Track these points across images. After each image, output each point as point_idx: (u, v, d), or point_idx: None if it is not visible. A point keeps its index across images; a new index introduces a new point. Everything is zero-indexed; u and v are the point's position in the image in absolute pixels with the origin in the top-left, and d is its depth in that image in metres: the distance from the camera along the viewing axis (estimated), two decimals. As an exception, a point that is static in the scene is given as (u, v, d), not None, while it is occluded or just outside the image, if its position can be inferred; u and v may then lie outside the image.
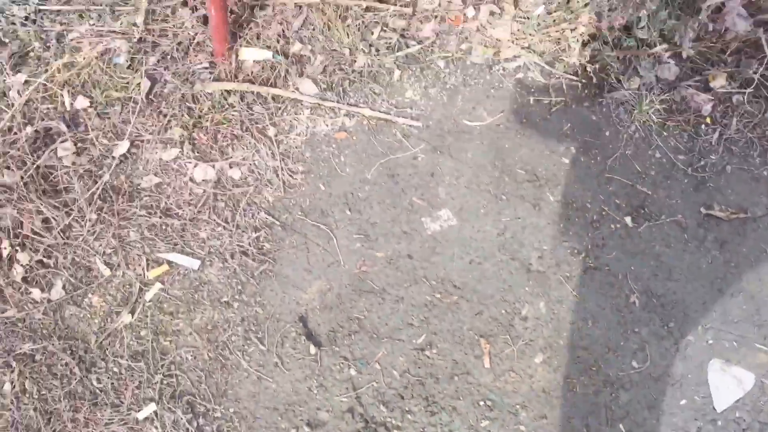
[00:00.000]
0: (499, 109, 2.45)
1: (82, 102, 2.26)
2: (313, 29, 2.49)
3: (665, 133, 2.44)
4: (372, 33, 2.51)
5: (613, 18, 2.28)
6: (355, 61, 2.46)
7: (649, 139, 2.42)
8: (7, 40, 2.32)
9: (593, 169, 2.37)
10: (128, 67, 2.34)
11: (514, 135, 2.41)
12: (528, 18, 2.56)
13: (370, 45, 2.48)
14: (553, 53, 2.51)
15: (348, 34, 2.48)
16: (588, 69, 2.45)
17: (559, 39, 2.51)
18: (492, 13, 2.59)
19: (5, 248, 1.94)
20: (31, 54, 2.31)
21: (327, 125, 2.36)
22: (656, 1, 2.16)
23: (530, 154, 2.38)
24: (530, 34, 2.53)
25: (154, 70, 2.35)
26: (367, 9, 2.54)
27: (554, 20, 2.54)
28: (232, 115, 2.29)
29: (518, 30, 2.55)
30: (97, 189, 2.09)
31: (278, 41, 2.46)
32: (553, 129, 2.43)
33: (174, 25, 2.44)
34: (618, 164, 2.38)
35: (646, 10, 2.16)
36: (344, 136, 2.36)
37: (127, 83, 2.31)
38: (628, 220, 2.29)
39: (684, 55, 2.37)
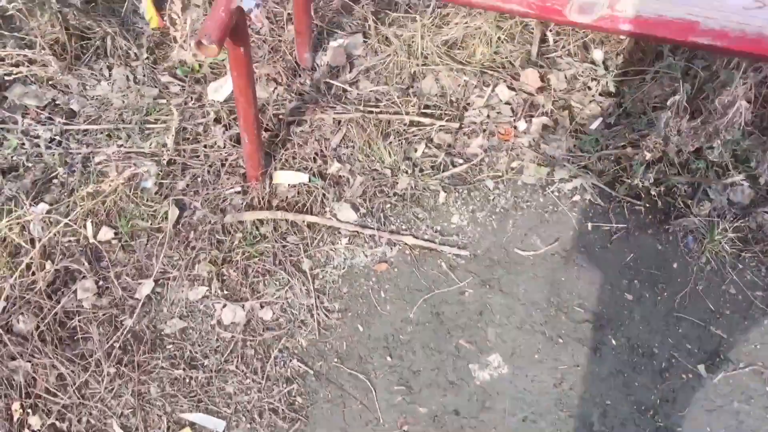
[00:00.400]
0: (553, 236, 2.24)
1: (106, 233, 2.12)
2: (353, 147, 2.32)
3: (740, 266, 2.19)
4: (416, 150, 2.33)
5: (681, 142, 2.07)
6: (398, 183, 2.28)
7: (722, 273, 2.18)
8: (30, 164, 2.20)
9: (660, 307, 2.13)
10: (156, 192, 2.20)
11: (570, 266, 2.19)
12: (585, 133, 2.36)
13: (414, 164, 2.31)
14: (613, 174, 2.30)
15: (390, 153, 2.30)
16: (652, 192, 2.23)
17: (619, 158, 2.30)
18: (545, 127, 2.40)
19: (16, 411, 1.78)
20: (55, 181, 2.18)
21: (366, 256, 2.18)
22: (734, 132, 1.93)
23: (589, 288, 2.16)
24: (587, 152, 2.33)
25: (183, 195, 2.21)
26: (411, 124, 2.37)
27: (614, 136, 2.33)
28: (265, 247, 2.12)
29: (574, 146, 2.35)
30: (119, 338, 1.92)
31: (315, 160, 2.30)
32: (614, 260, 2.21)
33: (205, 145, 2.30)
34: (688, 302, 2.14)
35: (720, 139, 1.94)
36: (385, 267, 2.17)
37: (155, 211, 2.16)
38: (701, 368, 2.05)
39: (762, 181, 2.14)
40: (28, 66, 2.29)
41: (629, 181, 2.27)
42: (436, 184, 2.29)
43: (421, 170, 2.30)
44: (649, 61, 2.40)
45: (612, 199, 2.29)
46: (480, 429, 1.94)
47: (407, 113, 2.37)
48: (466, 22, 2.50)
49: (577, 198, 2.30)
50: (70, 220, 2.07)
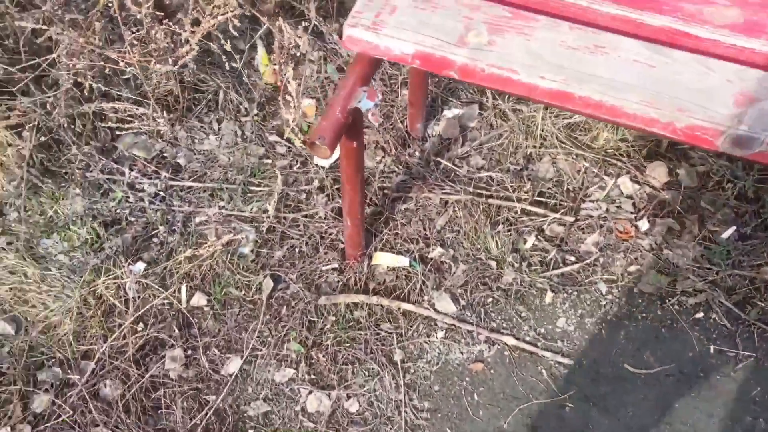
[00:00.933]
0: (669, 355, 2.03)
1: (199, 299, 2.07)
2: (458, 232, 2.19)
3: None
4: (525, 242, 2.18)
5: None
6: (502, 276, 2.13)
7: None
8: (133, 219, 2.19)
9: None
10: (252, 261, 2.14)
11: (686, 393, 1.98)
12: (715, 242, 2.14)
13: (522, 258, 2.15)
14: (744, 293, 2.07)
15: (497, 243, 2.16)
16: (788, 321, 1.99)
17: (754, 277, 2.07)
18: (670, 230, 2.20)
19: (94, 484, 1.74)
20: (155, 239, 2.16)
21: (462, 353, 2.04)
22: None
23: (706, 421, 1.95)
24: (716, 265, 2.11)
25: (279, 267, 2.14)
26: (522, 212, 2.22)
27: (750, 251, 2.10)
28: (357, 333, 2.02)
29: (702, 256, 2.13)
30: (202, 418, 1.86)
31: (417, 242, 2.18)
32: (738, 392, 1.98)
33: (306, 215, 2.23)
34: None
35: None
36: (481, 368, 2.03)
37: (249, 282, 2.10)
38: None
39: None
40: (140, 119, 2.29)
41: (762, 304, 2.04)
42: (543, 282, 2.13)
43: (529, 265, 2.15)
44: (796, 168, 2.15)
45: (741, 321, 2.06)
46: None
47: (519, 200, 2.22)
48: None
49: (700, 315, 2.08)
50: (165, 284, 2.03)
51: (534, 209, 2.23)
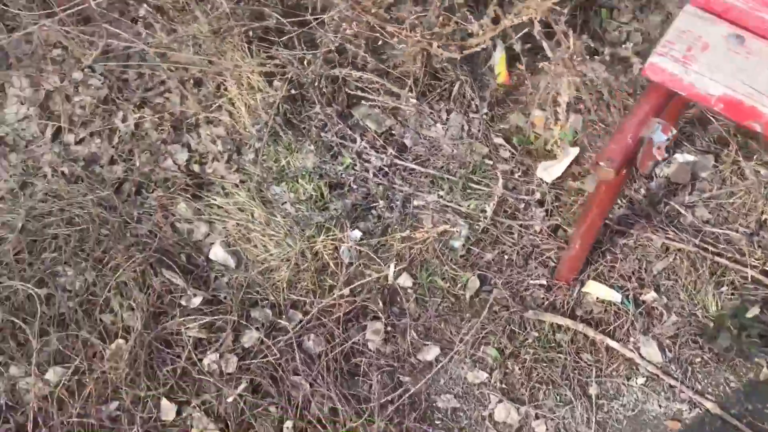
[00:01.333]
0: None
1: (405, 280, 2.08)
2: (676, 281, 2.10)
3: None
4: (747, 310, 2.05)
5: None
6: (716, 339, 2.02)
7: None
8: (355, 187, 2.23)
9: None
10: (462, 256, 2.13)
11: None
12: None
13: (741, 326, 2.03)
14: None
15: (717, 304, 2.05)
16: None
17: None
18: None
19: (287, 429, 1.78)
20: (373, 211, 2.19)
21: (660, 406, 1.95)
22: None
23: None
24: None
25: (487, 269, 2.12)
26: (753, 280, 2.09)
27: None
28: (557, 356, 1.97)
29: None
30: (396, 398, 1.87)
31: (631, 280, 2.11)
32: None
33: (522, 225, 2.20)
34: None
35: None
36: (677, 427, 1.93)
37: (456, 275, 2.09)
38: None
39: None
40: (377, 92, 2.33)
41: None
42: (761, 357, 2.00)
43: (749, 336, 2.02)
44: None
45: None
46: None
47: (751, 266, 2.10)
48: None
49: None
50: (378, 257, 2.06)
51: (765, 279, 2.10)
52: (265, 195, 2.18)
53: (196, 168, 2.22)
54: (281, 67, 2.27)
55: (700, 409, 1.96)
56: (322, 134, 2.30)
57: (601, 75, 2.11)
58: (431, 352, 1.98)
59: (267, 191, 2.18)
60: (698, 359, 2.02)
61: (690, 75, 1.46)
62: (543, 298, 2.09)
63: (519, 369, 1.98)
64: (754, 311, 2.07)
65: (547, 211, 2.24)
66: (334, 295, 1.98)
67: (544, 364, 1.98)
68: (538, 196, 2.27)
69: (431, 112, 2.45)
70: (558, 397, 1.95)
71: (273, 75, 2.30)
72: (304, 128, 2.30)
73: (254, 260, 2.06)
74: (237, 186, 2.18)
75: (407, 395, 1.90)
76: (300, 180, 2.20)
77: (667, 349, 2.02)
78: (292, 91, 2.27)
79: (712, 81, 1.44)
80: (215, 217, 2.12)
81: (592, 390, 1.97)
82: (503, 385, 1.96)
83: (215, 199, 2.13)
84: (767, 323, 2.06)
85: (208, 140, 2.24)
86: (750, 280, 2.11)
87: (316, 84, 2.29)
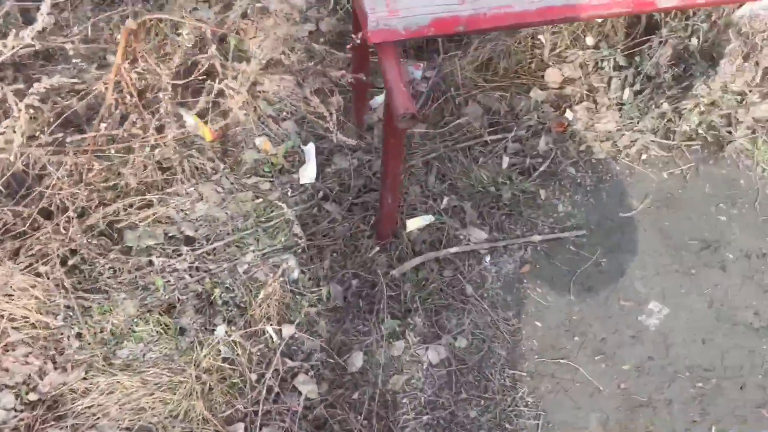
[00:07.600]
0: (642, 192, 2.61)
1: (288, 330, 2.22)
2: (443, 176, 2.57)
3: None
4: (500, 163, 2.62)
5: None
6: (502, 196, 2.55)
7: (776, 173, 2.66)
8: (184, 297, 2.25)
9: (747, 217, 2.56)
10: (309, 279, 2.33)
11: (666, 212, 2.57)
12: (623, 103, 2.76)
13: (508, 177, 2.59)
14: (664, 127, 2.71)
15: (484, 174, 2.58)
16: (700, 131, 2.66)
17: (663, 113, 2.71)
18: (588, 110, 2.78)
19: None
20: (219, 302, 2.25)
21: (510, 264, 2.43)
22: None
23: (690, 223, 2.55)
24: (634, 117, 2.73)
25: (333, 273, 2.35)
26: (486, 143, 2.65)
27: (651, 98, 2.75)
28: (432, 287, 2.32)
29: (620, 117, 2.74)
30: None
31: (426, 203, 2.52)
32: (696, 194, 2.61)
33: (329, 221, 2.45)
34: (764, 205, 2.58)
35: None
36: (528, 268, 2.44)
37: (320, 294, 2.29)
38: (801, 250, 2.48)
39: None
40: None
41: (678, 129, 2.69)
42: (531, 186, 2.59)
43: (510, 178, 2.59)
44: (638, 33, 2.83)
45: (672, 147, 2.71)
46: (675, 362, 2.25)
47: (480, 136, 2.66)
48: None
49: (645, 156, 2.69)
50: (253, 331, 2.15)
51: (494, 137, 2.68)
52: (115, 362, 2.09)
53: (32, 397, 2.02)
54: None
55: (531, 246, 2.48)
56: (119, 280, 2.25)
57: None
58: (358, 359, 2.17)
59: (115, 358, 2.10)
60: (503, 217, 2.53)
61: (401, 21, 1.76)
62: (387, 260, 2.39)
63: (419, 318, 2.28)
64: (507, 160, 2.64)
65: (334, 200, 2.51)
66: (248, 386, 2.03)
67: (429, 301, 2.31)
68: (321, 194, 2.52)
69: (186, 199, 2.52)
70: (455, 312, 2.30)
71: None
72: (101, 287, 2.22)
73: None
74: (86, 379, 2.05)
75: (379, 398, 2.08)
76: (136, 328, 2.14)
77: (483, 227, 2.49)
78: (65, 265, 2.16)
79: (420, 15, 1.76)
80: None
81: (469, 290, 2.35)
82: (418, 338, 2.25)
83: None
84: (520, 163, 2.64)
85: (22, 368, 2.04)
86: (485, 144, 2.67)
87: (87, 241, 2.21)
